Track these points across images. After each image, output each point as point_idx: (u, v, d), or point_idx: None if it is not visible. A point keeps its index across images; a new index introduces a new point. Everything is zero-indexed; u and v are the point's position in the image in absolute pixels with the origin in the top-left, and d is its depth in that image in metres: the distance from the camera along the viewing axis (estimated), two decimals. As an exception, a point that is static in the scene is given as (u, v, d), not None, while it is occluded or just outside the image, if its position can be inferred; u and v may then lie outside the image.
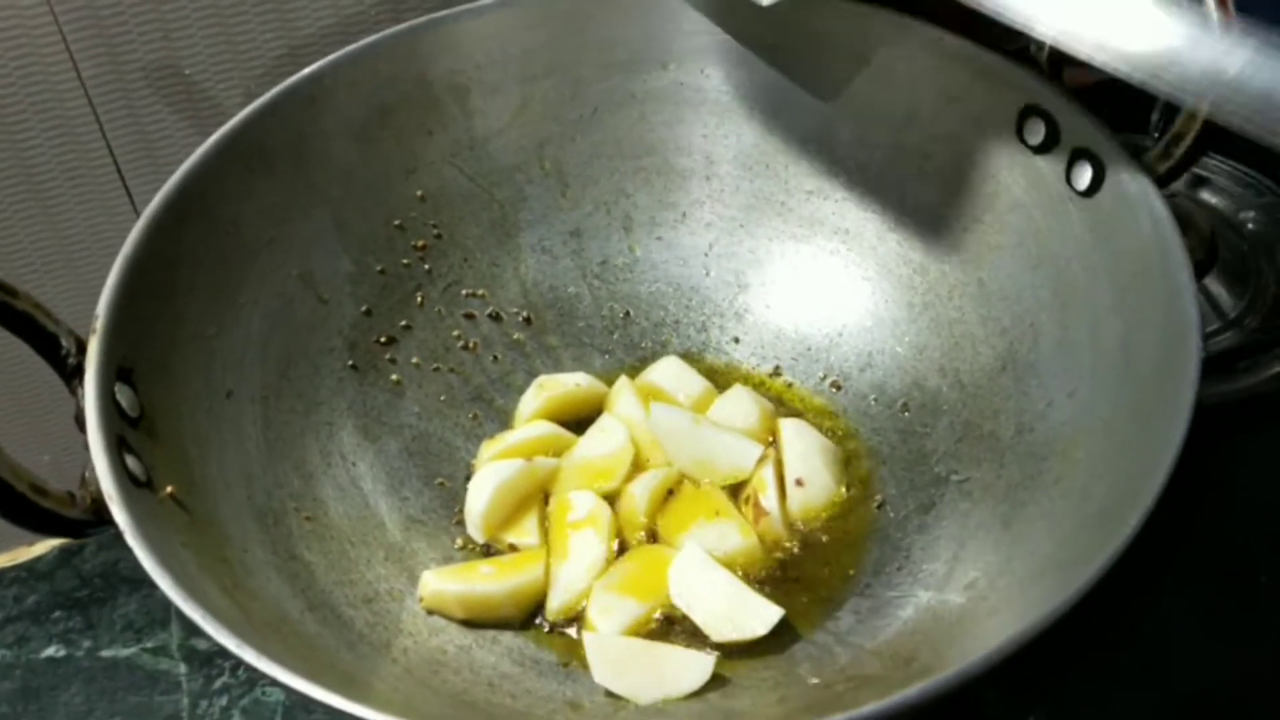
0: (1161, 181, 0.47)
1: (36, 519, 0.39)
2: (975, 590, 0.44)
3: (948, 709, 0.51)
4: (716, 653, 0.47)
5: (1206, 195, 0.70)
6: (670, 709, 0.44)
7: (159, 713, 0.56)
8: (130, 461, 0.41)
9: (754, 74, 0.57)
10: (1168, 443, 0.39)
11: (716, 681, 0.46)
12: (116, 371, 0.43)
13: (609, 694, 0.46)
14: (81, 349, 0.43)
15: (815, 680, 0.45)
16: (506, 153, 0.59)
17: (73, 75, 0.57)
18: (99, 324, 0.43)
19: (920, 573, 0.48)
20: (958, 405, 0.53)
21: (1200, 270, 0.65)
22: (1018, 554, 0.44)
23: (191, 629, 0.58)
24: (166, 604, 0.60)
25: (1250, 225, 0.69)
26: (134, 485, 0.41)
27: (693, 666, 0.45)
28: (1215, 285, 0.66)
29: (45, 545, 0.64)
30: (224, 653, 0.57)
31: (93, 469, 0.40)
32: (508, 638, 0.49)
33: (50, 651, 0.59)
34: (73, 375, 0.43)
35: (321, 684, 0.35)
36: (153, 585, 0.37)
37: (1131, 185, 0.47)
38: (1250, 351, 0.63)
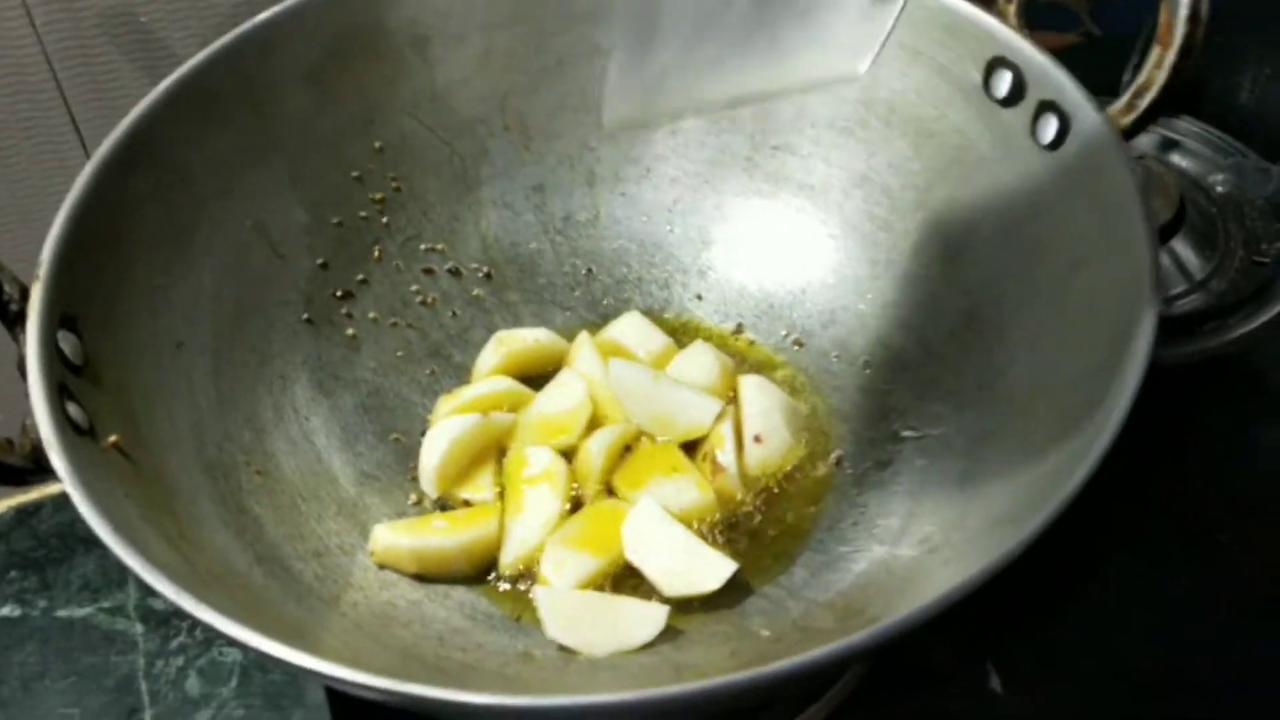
0: (1127, 134, 0.46)
1: (-29, 464, 0.39)
2: (928, 544, 0.44)
3: (904, 662, 0.52)
4: (669, 605, 0.46)
5: (1176, 158, 0.70)
6: (622, 662, 0.44)
7: (115, 673, 0.56)
8: (72, 409, 0.41)
9: (718, 25, 0.56)
10: (1120, 396, 0.38)
11: (669, 634, 0.45)
12: (60, 318, 0.42)
13: (561, 648, 0.45)
14: (25, 295, 0.42)
15: (767, 633, 0.44)
16: (468, 104, 0.58)
17: (26, 22, 0.56)
18: (42, 270, 0.43)
19: (875, 528, 0.48)
20: (920, 362, 0.52)
21: (1168, 232, 0.65)
22: (972, 509, 0.44)
23: (148, 589, 0.58)
24: (123, 564, 0.60)
25: (1219, 188, 0.69)
26: (75, 433, 0.40)
27: (645, 619, 0.45)
28: (1183, 247, 0.66)
29: (1, 505, 0.63)
30: (180, 613, 0.57)
31: (33, 416, 0.39)
32: (459, 592, 0.48)
33: (5, 611, 0.59)
34: (15, 322, 0.42)
35: (265, 634, 0.35)
36: (110, 545, 0.37)
37: (1096, 139, 0.46)
38: (1216, 314, 0.63)
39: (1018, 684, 0.51)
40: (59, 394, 0.40)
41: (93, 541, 0.60)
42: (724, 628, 0.46)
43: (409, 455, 0.53)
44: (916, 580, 0.42)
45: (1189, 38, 0.44)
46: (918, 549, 0.44)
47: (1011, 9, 0.50)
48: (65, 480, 0.38)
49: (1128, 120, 0.46)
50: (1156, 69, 0.45)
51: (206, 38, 0.54)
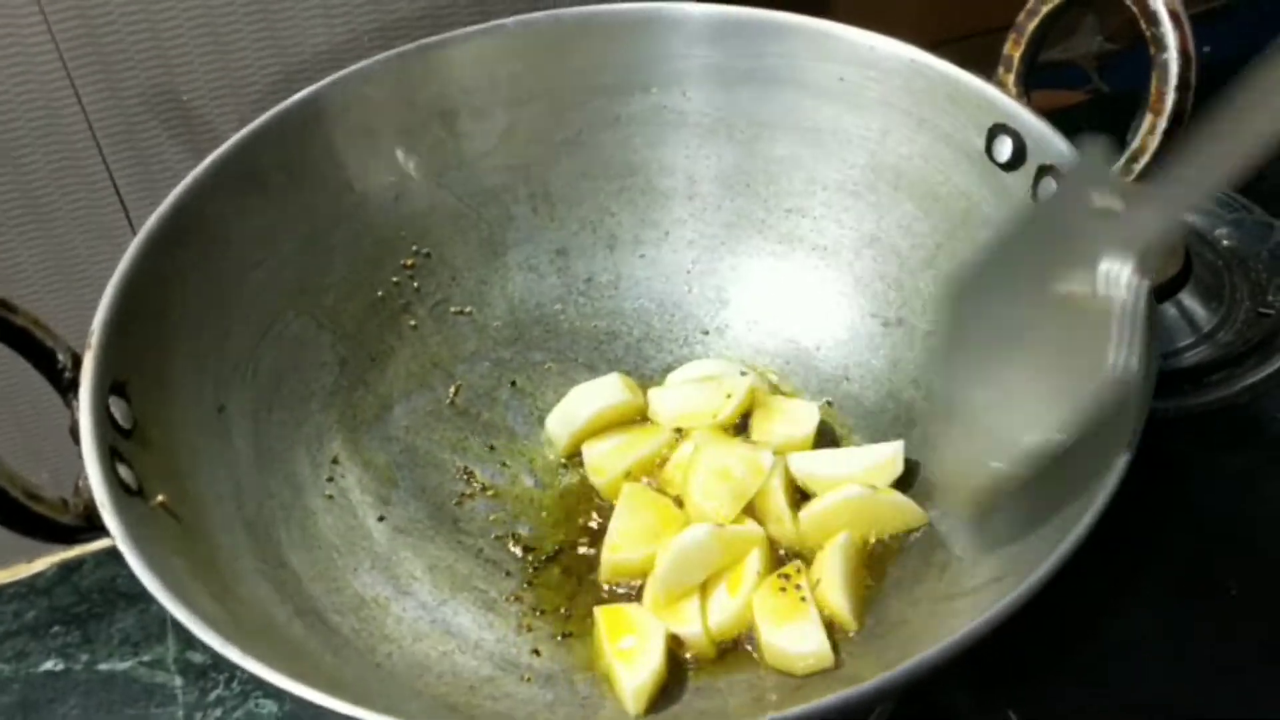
0: (1123, 197, 0.48)
1: (29, 523, 0.40)
2: (943, 594, 0.45)
3: (928, 711, 0.53)
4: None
5: (1182, 213, 0.72)
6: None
7: (155, 725, 0.57)
8: (122, 471, 0.42)
9: (733, 97, 0.59)
10: (1119, 446, 0.40)
11: (693, 684, 0.47)
12: (111, 385, 0.44)
13: (585, 699, 0.47)
14: (77, 363, 0.44)
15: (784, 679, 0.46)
16: (494, 174, 0.60)
17: (73, 100, 0.58)
18: (94, 339, 0.44)
19: (889, 577, 0.49)
20: (930, 415, 0.54)
21: (1175, 286, 0.67)
22: (984, 558, 0.45)
23: (187, 642, 0.60)
24: (163, 618, 0.61)
25: (1225, 241, 0.70)
26: (126, 493, 0.42)
27: None
28: (1190, 300, 0.67)
29: (45, 561, 0.65)
30: (219, 665, 0.59)
31: (86, 477, 0.41)
32: (489, 644, 0.50)
33: (49, 665, 0.60)
34: (68, 389, 0.44)
35: (307, 684, 0.36)
36: (149, 600, 0.38)
37: (1095, 201, 0.48)
38: (1223, 365, 0.64)
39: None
40: (110, 457, 0.42)
41: (133, 596, 0.63)
42: (746, 675, 0.47)
43: (439, 510, 0.55)
44: (931, 628, 0.44)
45: (1179, 104, 0.46)
46: (932, 598, 0.46)
47: (1010, 78, 0.52)
48: (118, 539, 0.39)
49: (1124, 184, 0.48)
50: (1150, 135, 0.47)
51: (245, 115, 0.57)
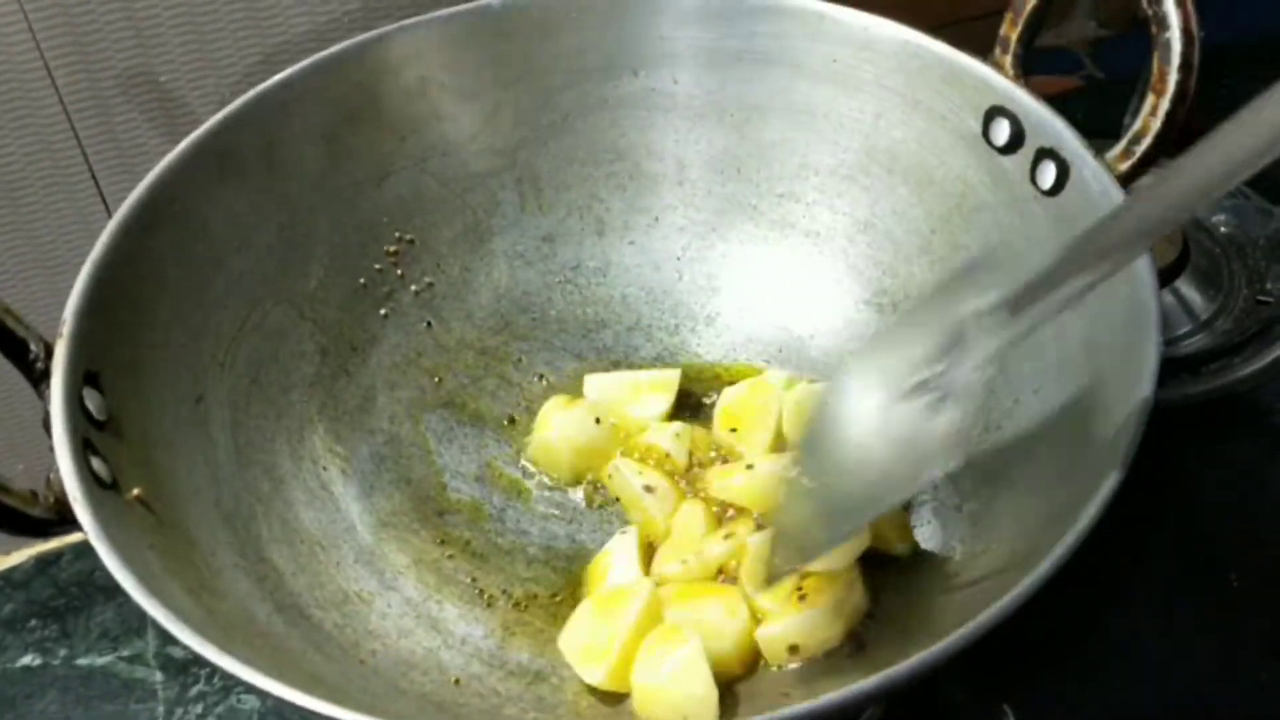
0: (1124, 180, 0.47)
1: (-5, 515, 0.39)
2: (941, 587, 0.45)
3: (922, 703, 0.52)
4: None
5: (1179, 199, 0.71)
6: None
7: (134, 720, 0.56)
8: (96, 464, 0.41)
9: (723, 79, 0.58)
10: (1125, 439, 0.39)
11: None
12: (84, 376, 0.43)
13: (575, 693, 0.46)
14: (50, 353, 0.43)
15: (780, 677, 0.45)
16: (479, 159, 0.59)
17: (47, 82, 0.57)
18: (66, 328, 0.43)
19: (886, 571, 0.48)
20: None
21: (1172, 273, 0.66)
22: (984, 552, 0.44)
23: (167, 637, 0.59)
24: (142, 612, 0.60)
25: (1222, 228, 0.69)
26: (99, 487, 0.41)
27: None
28: (1187, 288, 0.66)
29: (21, 554, 0.64)
30: (199, 661, 0.57)
31: (58, 470, 0.40)
32: (476, 639, 0.49)
33: (26, 660, 0.59)
34: (40, 379, 0.43)
35: (285, 682, 0.35)
36: (128, 594, 0.37)
37: (1094, 184, 0.47)
38: (1221, 353, 0.63)
39: (1034, 724, 0.52)
40: (83, 449, 0.41)
41: (112, 590, 0.61)
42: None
43: (425, 502, 0.54)
44: (929, 623, 0.43)
45: (1182, 85, 0.45)
46: (931, 592, 0.45)
47: (1007, 60, 0.51)
48: (90, 534, 0.38)
49: (1125, 166, 0.47)
50: (1151, 116, 0.46)
51: (224, 97, 0.55)
